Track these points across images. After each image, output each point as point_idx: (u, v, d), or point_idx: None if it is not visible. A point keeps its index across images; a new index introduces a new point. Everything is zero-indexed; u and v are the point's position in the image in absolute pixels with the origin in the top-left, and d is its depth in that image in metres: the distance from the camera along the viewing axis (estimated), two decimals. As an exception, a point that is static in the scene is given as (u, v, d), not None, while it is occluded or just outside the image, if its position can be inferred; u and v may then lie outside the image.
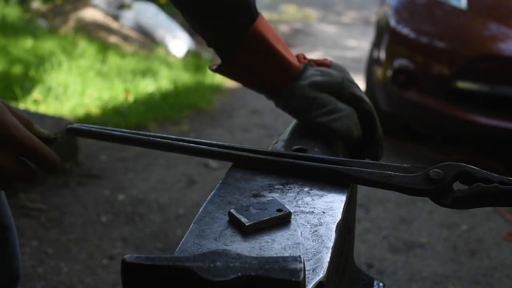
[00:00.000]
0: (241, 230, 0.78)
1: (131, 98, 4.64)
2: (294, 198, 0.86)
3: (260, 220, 0.78)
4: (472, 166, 0.84)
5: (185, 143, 0.99)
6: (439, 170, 0.84)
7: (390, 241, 2.92)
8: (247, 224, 0.77)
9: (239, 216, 0.78)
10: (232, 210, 0.80)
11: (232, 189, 0.89)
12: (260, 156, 0.95)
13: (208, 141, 0.99)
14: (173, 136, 1.01)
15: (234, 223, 0.79)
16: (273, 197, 0.86)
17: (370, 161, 0.92)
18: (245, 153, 0.95)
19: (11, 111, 0.82)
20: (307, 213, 0.82)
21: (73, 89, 4.47)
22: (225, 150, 0.97)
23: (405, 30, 3.95)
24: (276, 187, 0.89)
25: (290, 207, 0.83)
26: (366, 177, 0.88)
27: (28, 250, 2.64)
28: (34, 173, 0.85)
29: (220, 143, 0.99)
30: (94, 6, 6.67)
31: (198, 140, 1.00)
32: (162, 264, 0.63)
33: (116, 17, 6.70)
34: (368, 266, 2.69)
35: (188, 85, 5.32)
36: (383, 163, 0.90)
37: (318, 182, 0.90)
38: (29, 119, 0.86)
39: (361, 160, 0.92)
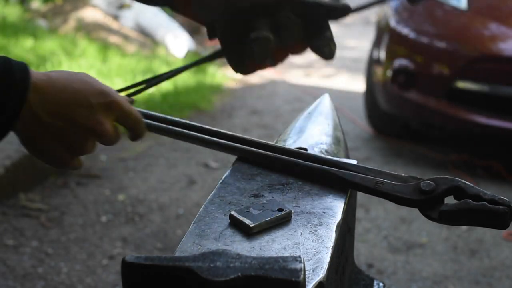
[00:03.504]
0: (245, 232, 0.77)
1: (131, 98, 4.63)
2: (294, 198, 0.86)
3: (263, 220, 0.78)
4: (466, 182, 0.82)
5: (196, 133, 0.99)
6: (430, 182, 0.83)
7: (390, 241, 2.92)
8: (251, 225, 0.77)
9: (241, 218, 0.78)
10: (233, 212, 0.80)
11: (232, 189, 0.89)
12: (263, 152, 0.95)
13: (219, 131, 0.99)
14: (190, 123, 1.01)
15: (236, 225, 0.79)
16: (273, 197, 0.86)
17: (368, 166, 0.91)
18: (249, 148, 0.95)
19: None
20: (307, 213, 0.82)
21: (73, 89, 4.47)
22: (231, 144, 0.97)
23: (405, 30, 3.94)
24: (276, 187, 0.89)
25: (290, 207, 0.83)
26: (358, 181, 0.88)
27: (28, 250, 2.64)
28: (119, 137, 0.87)
29: (228, 133, 0.98)
30: (94, 6, 6.66)
31: (211, 128, 1.00)
32: (162, 264, 0.63)
33: (116, 17, 6.70)
34: (368, 266, 2.68)
35: (188, 85, 5.32)
36: (382, 170, 0.90)
37: (318, 182, 0.90)
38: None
39: (360, 165, 0.91)
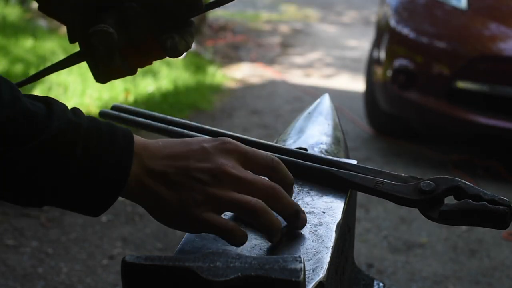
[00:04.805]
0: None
1: (131, 98, 4.64)
2: (294, 198, 0.86)
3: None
4: (466, 182, 0.82)
5: (196, 133, 0.99)
6: (430, 182, 0.83)
7: (390, 241, 2.92)
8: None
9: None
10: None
11: (232, 189, 0.89)
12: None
13: (219, 131, 0.99)
14: (190, 123, 1.01)
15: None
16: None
17: (368, 166, 0.91)
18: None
19: None
20: (307, 213, 0.82)
21: (73, 89, 4.48)
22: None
23: (405, 30, 3.95)
24: (276, 187, 0.89)
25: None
26: (358, 181, 0.88)
27: (28, 250, 2.64)
28: (259, 181, 0.73)
29: (228, 133, 0.98)
30: (94, 6, 6.67)
31: (211, 128, 1.00)
32: (162, 264, 0.63)
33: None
34: (368, 266, 2.69)
35: (188, 85, 5.32)
36: (382, 170, 0.89)
37: (318, 182, 0.90)
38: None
39: (360, 165, 0.91)
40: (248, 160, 0.74)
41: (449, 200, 0.83)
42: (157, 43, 0.88)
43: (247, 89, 5.74)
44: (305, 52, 7.50)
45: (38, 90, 4.31)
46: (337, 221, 0.81)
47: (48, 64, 4.98)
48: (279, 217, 0.75)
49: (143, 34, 0.88)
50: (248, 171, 0.74)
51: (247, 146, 0.75)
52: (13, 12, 6.62)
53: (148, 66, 0.96)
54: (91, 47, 0.86)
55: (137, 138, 0.71)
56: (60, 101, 0.70)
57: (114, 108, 1.06)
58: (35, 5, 7.37)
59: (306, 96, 5.28)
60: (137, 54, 0.91)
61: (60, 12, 0.90)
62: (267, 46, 7.69)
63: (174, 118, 1.03)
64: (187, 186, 0.70)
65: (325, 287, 0.69)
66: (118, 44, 0.86)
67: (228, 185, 0.71)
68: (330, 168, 0.90)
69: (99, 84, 4.43)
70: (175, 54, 0.88)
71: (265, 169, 0.76)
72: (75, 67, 4.94)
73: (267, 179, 0.75)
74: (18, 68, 4.72)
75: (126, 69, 0.90)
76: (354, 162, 0.93)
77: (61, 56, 5.14)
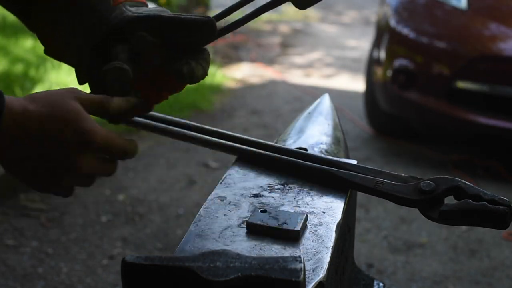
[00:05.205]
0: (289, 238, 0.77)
1: (131, 98, 4.63)
2: (294, 198, 0.86)
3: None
4: (466, 182, 0.82)
5: (196, 133, 1.00)
6: (430, 182, 0.83)
7: (390, 241, 2.92)
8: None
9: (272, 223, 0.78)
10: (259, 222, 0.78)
11: (232, 189, 0.89)
12: (263, 152, 0.95)
13: (219, 131, 0.99)
14: (190, 123, 1.01)
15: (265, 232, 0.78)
16: (273, 197, 0.86)
17: (368, 166, 0.91)
18: (249, 148, 0.95)
19: (82, 101, 0.79)
20: (307, 212, 0.82)
21: (73, 89, 4.47)
22: (231, 144, 0.97)
23: (405, 30, 3.95)
24: (276, 187, 0.89)
25: (290, 207, 0.83)
26: (358, 181, 0.88)
27: (28, 250, 2.64)
28: (114, 166, 0.83)
29: (228, 133, 0.98)
30: (94, 6, 6.66)
31: (211, 128, 1.00)
32: (162, 264, 0.63)
33: (116, 17, 6.69)
34: (368, 266, 2.69)
35: (188, 85, 5.32)
36: (382, 170, 0.90)
37: (318, 183, 0.90)
38: (101, 98, 0.81)
39: (360, 165, 0.91)
40: (103, 151, 0.80)
41: (449, 200, 0.83)
42: (171, 71, 0.85)
43: (247, 89, 5.74)
44: (305, 52, 7.50)
45: (38, 90, 4.31)
46: (337, 221, 0.81)
47: (48, 64, 4.98)
48: None
49: (153, 62, 0.86)
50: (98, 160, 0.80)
51: (104, 135, 0.78)
52: (13, 12, 6.61)
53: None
54: (104, 85, 0.84)
55: (10, 100, 0.76)
56: None
57: None
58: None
59: (306, 96, 5.27)
60: (152, 88, 0.89)
61: (68, 57, 0.91)
62: (267, 46, 7.69)
63: (174, 118, 1.03)
64: (41, 172, 0.78)
65: (325, 287, 0.69)
66: (132, 79, 0.83)
67: (79, 175, 0.80)
68: (330, 168, 0.90)
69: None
70: (193, 79, 0.87)
71: (118, 157, 0.82)
72: (75, 67, 4.93)
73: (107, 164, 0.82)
74: (18, 68, 4.72)
75: (141, 106, 0.86)
76: (354, 162, 0.93)
77: (61, 56, 5.13)
